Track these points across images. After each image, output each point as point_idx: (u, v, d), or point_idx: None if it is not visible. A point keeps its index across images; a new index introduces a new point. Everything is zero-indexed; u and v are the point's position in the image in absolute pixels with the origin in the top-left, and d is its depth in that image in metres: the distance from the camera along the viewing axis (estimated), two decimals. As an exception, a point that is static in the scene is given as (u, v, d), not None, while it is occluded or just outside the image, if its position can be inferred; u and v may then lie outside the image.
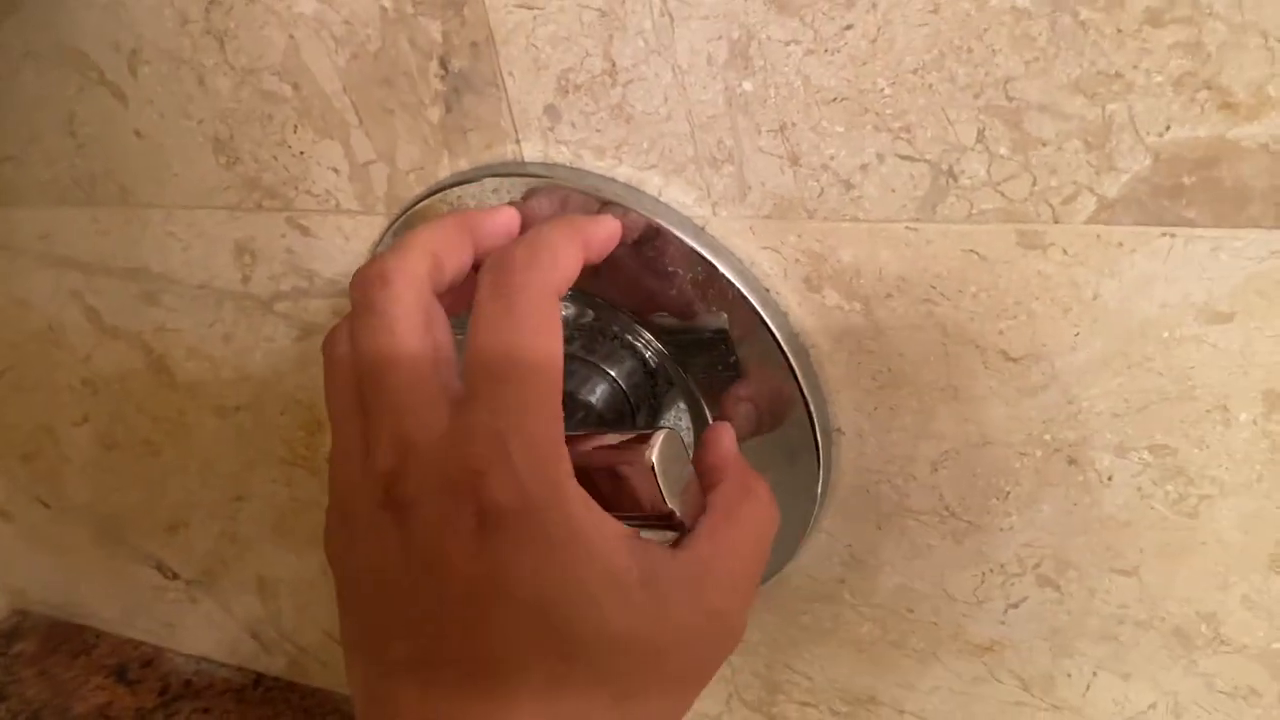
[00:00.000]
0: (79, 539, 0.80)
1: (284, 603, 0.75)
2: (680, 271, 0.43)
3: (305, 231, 0.52)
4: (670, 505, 0.39)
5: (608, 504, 0.40)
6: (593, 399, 0.48)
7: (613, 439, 0.41)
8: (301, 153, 0.49)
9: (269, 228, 0.53)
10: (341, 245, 0.52)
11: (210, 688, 0.80)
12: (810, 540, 0.49)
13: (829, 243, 0.40)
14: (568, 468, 0.32)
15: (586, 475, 0.40)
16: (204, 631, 0.80)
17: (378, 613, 0.31)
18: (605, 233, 0.37)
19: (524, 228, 0.37)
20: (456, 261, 0.35)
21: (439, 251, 0.34)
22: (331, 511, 0.33)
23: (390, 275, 0.32)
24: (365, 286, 0.32)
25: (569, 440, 0.42)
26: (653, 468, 0.38)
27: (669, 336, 0.46)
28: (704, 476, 0.39)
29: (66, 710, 0.78)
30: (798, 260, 0.41)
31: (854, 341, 0.42)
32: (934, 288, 0.39)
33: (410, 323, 0.32)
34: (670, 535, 0.40)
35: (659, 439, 0.39)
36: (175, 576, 0.78)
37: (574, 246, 0.34)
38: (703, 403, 0.46)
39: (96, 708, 0.78)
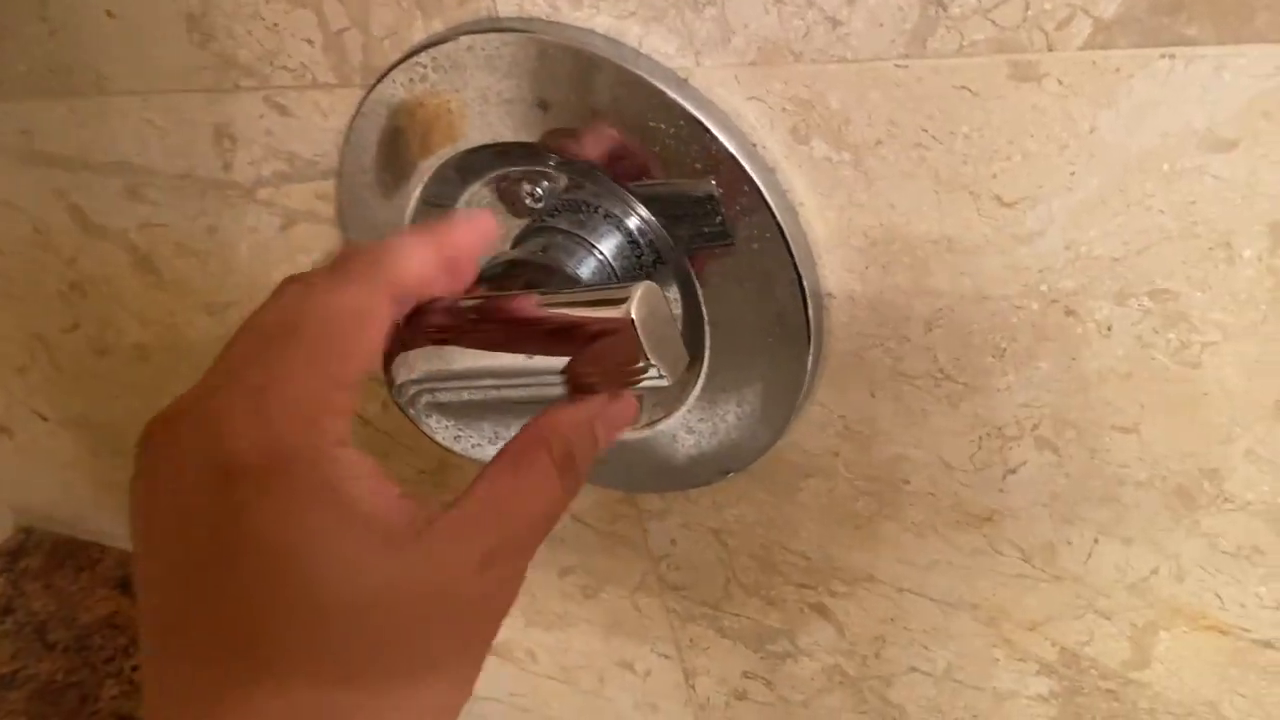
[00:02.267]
0: (78, 451, 0.80)
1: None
2: (664, 128, 0.41)
3: (283, 111, 0.51)
4: (652, 359, 0.38)
5: (589, 364, 0.39)
6: (579, 274, 0.47)
7: (590, 295, 0.40)
8: (275, 24, 0.48)
9: (247, 109, 0.52)
10: (320, 123, 0.50)
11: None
12: (802, 413, 0.48)
13: (816, 87, 0.38)
14: (339, 430, 0.29)
15: (566, 335, 0.39)
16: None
17: (146, 572, 0.28)
18: (464, 234, 0.36)
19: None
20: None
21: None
22: None
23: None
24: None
25: (545, 298, 0.41)
26: (632, 322, 0.37)
27: (654, 204, 0.45)
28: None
29: (73, 620, 0.78)
30: (785, 109, 0.40)
31: (844, 195, 0.41)
32: (925, 130, 0.38)
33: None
34: (659, 383, 0.39)
35: (638, 291, 0.38)
36: (174, 486, 0.77)
37: (423, 245, 0.35)
38: (691, 273, 0.45)
39: (102, 618, 0.78)
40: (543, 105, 0.43)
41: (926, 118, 0.38)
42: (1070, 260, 0.38)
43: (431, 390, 0.43)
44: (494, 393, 0.42)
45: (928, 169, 0.39)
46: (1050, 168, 0.37)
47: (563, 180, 0.47)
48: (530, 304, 0.39)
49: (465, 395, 0.43)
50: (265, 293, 0.59)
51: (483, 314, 0.40)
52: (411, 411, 0.44)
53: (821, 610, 0.55)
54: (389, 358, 0.44)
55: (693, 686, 0.64)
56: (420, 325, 0.39)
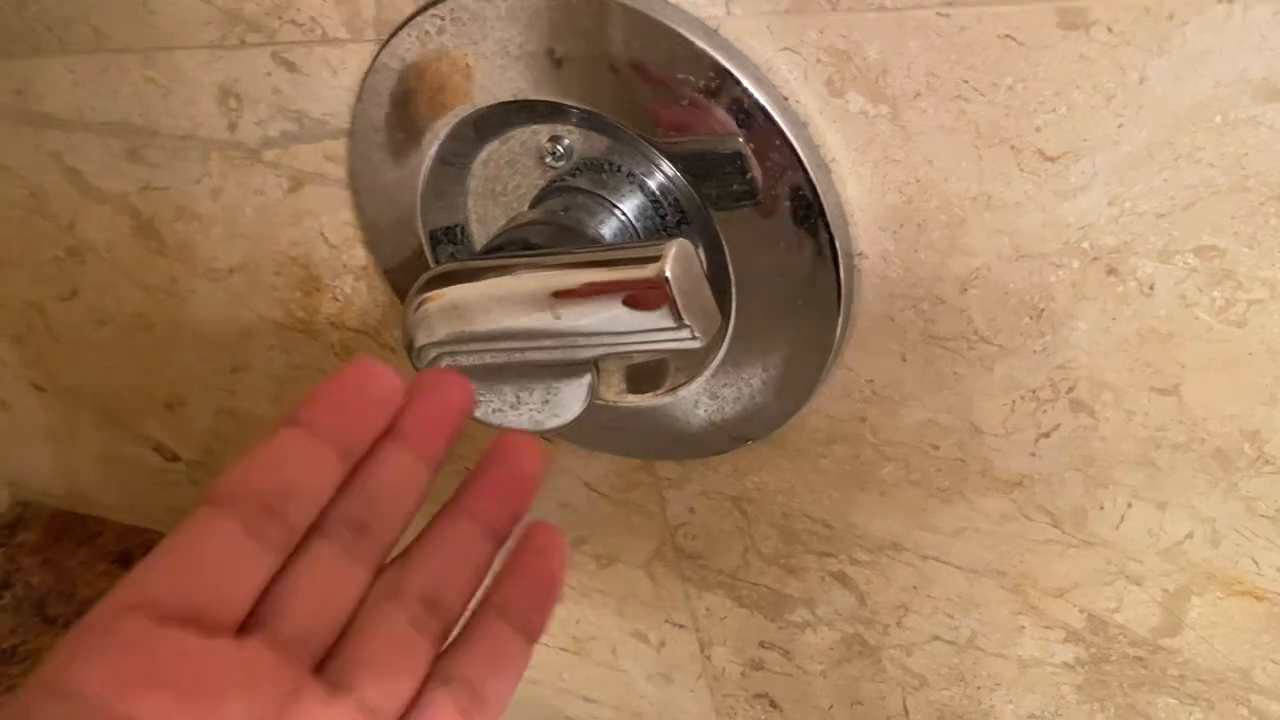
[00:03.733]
0: (77, 423, 0.78)
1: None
2: (692, 80, 0.40)
3: (291, 67, 0.49)
4: (686, 319, 0.37)
5: (617, 326, 0.38)
6: (601, 234, 0.45)
7: (621, 253, 0.38)
8: (284, -23, 0.46)
9: (253, 66, 0.50)
10: (329, 80, 0.49)
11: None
12: (829, 377, 0.47)
13: (854, 37, 0.37)
14: None
15: (595, 296, 0.38)
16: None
17: None
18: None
19: None
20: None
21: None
22: None
23: None
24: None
25: (574, 257, 0.40)
26: (666, 280, 0.36)
27: (680, 161, 0.43)
28: None
29: (72, 595, 0.77)
30: (819, 61, 0.38)
31: (879, 151, 0.40)
32: (966, 82, 0.37)
33: None
34: (690, 344, 0.38)
35: (671, 249, 0.37)
36: (175, 458, 0.76)
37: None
38: (717, 233, 0.44)
39: (101, 593, 0.76)
40: (565, 59, 0.42)
41: (968, 69, 0.36)
42: (1114, 217, 0.37)
43: (452, 353, 0.42)
44: (517, 355, 0.41)
45: (968, 123, 0.37)
46: (1096, 120, 0.36)
47: (584, 138, 0.46)
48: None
49: (488, 358, 0.42)
50: (271, 258, 0.58)
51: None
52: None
53: (842, 579, 0.54)
54: (407, 319, 0.43)
55: (708, 657, 0.63)
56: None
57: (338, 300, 0.58)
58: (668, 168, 0.45)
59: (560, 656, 0.70)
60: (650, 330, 0.37)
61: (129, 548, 0.82)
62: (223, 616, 0.26)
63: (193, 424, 0.73)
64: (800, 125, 0.40)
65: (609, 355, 0.40)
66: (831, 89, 0.39)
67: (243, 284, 0.61)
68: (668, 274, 0.36)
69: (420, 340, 0.41)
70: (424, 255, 0.50)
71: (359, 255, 0.55)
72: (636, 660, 0.67)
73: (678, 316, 0.36)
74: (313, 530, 0.28)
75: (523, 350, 0.41)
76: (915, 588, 0.52)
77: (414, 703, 0.29)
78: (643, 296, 0.37)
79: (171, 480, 0.78)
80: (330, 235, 0.55)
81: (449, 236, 0.49)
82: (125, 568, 0.80)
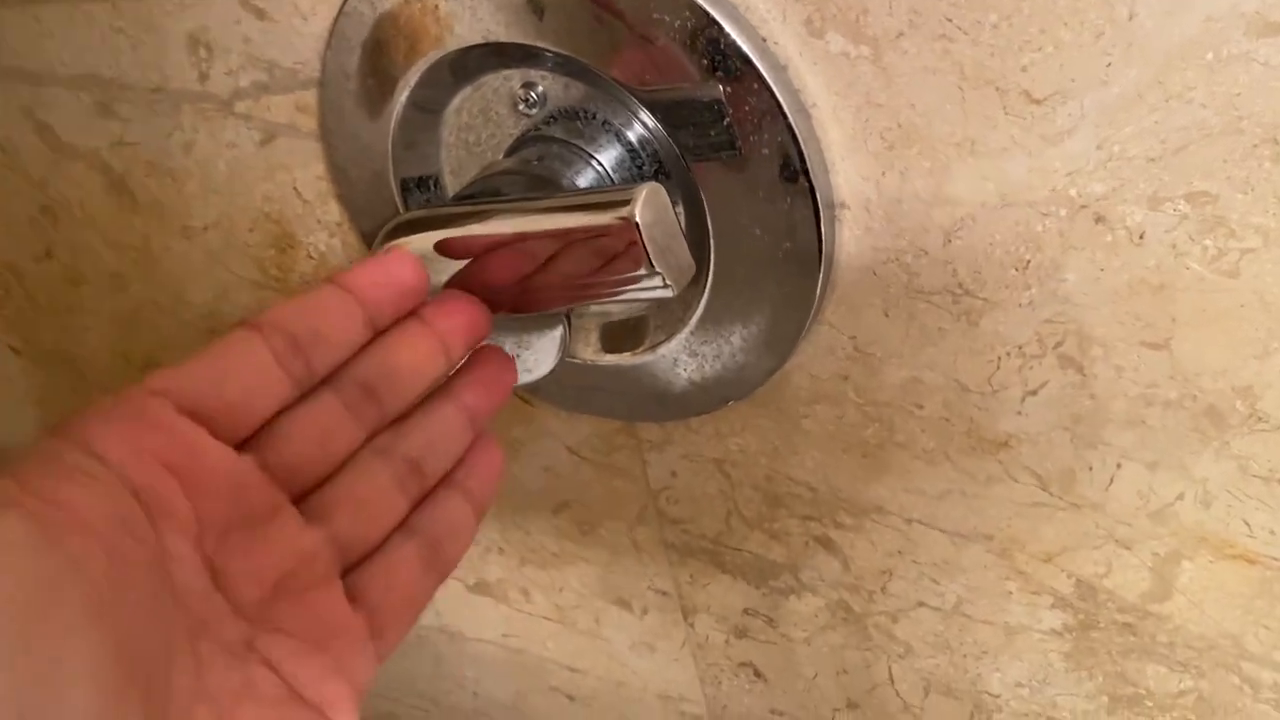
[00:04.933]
0: (56, 387, 0.77)
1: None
2: (668, 20, 0.38)
3: (261, 14, 0.48)
4: (657, 266, 0.35)
5: (588, 271, 0.37)
6: (577, 185, 0.44)
7: (590, 198, 0.37)
8: (250, -81, 0.45)
9: (222, 13, 0.49)
10: (300, 27, 0.47)
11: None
12: (811, 334, 0.45)
13: (832, -27, 0.36)
14: None
15: (565, 244, 0.37)
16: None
17: None
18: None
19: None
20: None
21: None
22: None
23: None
24: None
25: (542, 203, 0.38)
26: (636, 225, 0.35)
27: (657, 110, 0.42)
28: None
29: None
30: (797, -1, 0.37)
31: (861, 95, 0.38)
32: (950, 20, 0.35)
33: None
34: (663, 293, 0.36)
35: (642, 193, 0.35)
36: (155, 423, 0.75)
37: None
38: (696, 185, 0.42)
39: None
40: (540, 2, 0.40)
41: (952, 5, 0.35)
42: (1102, 161, 0.36)
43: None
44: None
45: (952, 63, 0.36)
46: (1084, 59, 0.34)
47: (559, 84, 0.44)
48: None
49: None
50: (245, 215, 0.57)
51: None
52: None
53: (826, 544, 0.53)
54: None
55: (691, 625, 0.62)
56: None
57: (312, 258, 0.57)
58: (646, 117, 0.43)
59: (544, 625, 0.69)
60: (621, 278, 0.36)
61: (110, 515, 0.81)
62: (235, 425, 0.29)
63: (171, 388, 0.71)
64: (779, 69, 0.39)
65: (579, 304, 0.39)
66: (811, 29, 0.37)
67: (217, 241, 0.59)
68: (638, 218, 0.35)
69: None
70: (395, 206, 0.49)
71: (333, 210, 0.54)
72: (620, 629, 0.66)
73: (649, 264, 0.35)
74: (328, 380, 0.32)
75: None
76: (900, 552, 0.51)
77: (381, 547, 0.32)
78: (612, 242, 0.35)
79: (152, 446, 0.77)
80: (304, 190, 0.54)
81: (420, 186, 0.48)
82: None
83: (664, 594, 0.61)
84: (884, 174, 0.40)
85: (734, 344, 0.46)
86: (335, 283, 0.33)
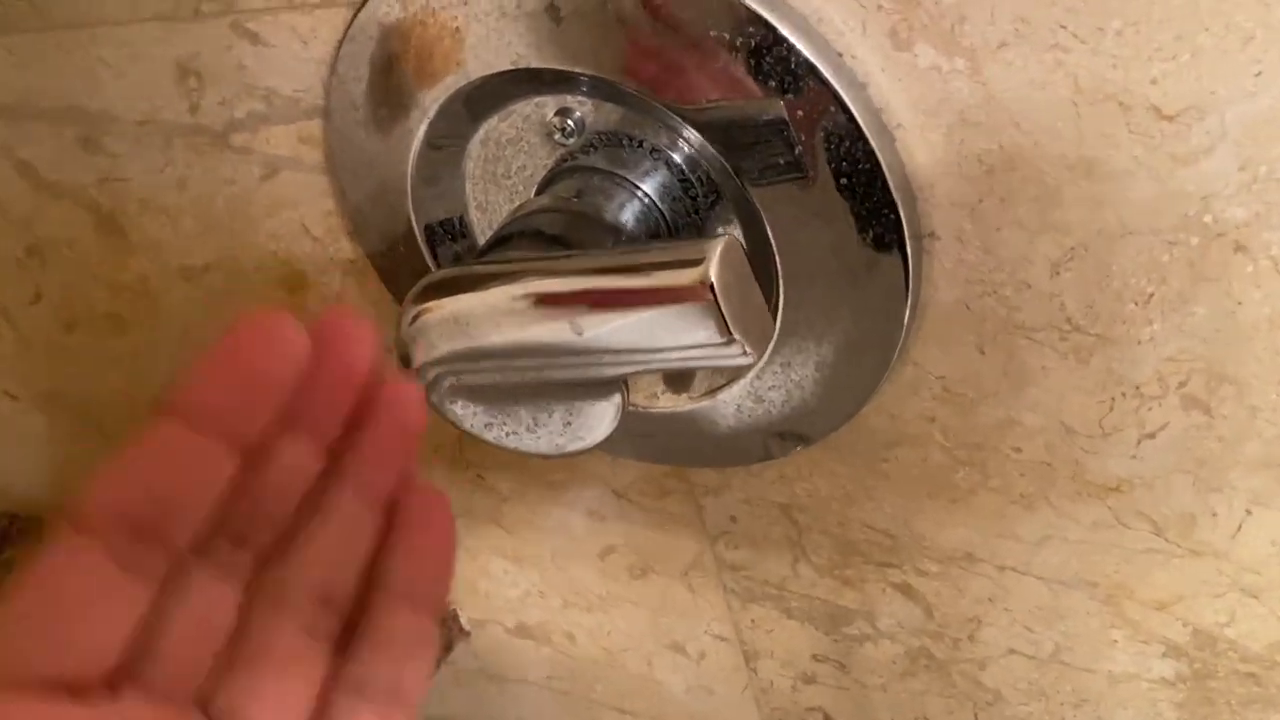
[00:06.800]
0: (56, 432, 0.72)
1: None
2: (725, 37, 0.33)
3: (255, 39, 0.43)
4: (735, 334, 0.30)
5: (650, 342, 0.32)
6: (622, 221, 0.39)
7: (656, 254, 0.32)
8: (238, -67, 0.40)
9: (213, 39, 0.44)
10: (300, 52, 0.42)
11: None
12: (893, 374, 0.40)
13: (923, -23, 0.31)
14: None
15: (625, 304, 0.32)
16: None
17: None
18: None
19: None
20: None
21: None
22: None
23: None
24: None
25: (598, 259, 0.33)
26: (711, 288, 0.30)
27: (711, 131, 0.37)
28: None
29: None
30: (881, 7, 0.32)
31: (954, 114, 0.33)
32: (1064, 28, 0.30)
33: None
34: (742, 361, 0.32)
35: (716, 250, 0.30)
36: (165, 466, 0.70)
37: None
38: (760, 213, 0.37)
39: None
40: (571, 17, 0.35)
41: (1066, 11, 0.30)
42: (1245, 184, 0.31)
43: (456, 372, 0.36)
44: (533, 374, 0.35)
45: (1065, 76, 0.31)
46: (1228, 68, 0.29)
47: (597, 108, 0.39)
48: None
49: (498, 377, 0.36)
50: (249, 254, 0.52)
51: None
52: (433, 397, 0.37)
53: (906, 590, 0.48)
54: (402, 332, 0.37)
55: (754, 670, 0.58)
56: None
57: (327, 298, 0.52)
58: (694, 137, 0.38)
59: (592, 668, 0.64)
60: (691, 347, 0.31)
61: (124, 560, 0.76)
62: (94, 672, 0.22)
63: (180, 431, 0.67)
64: (858, 86, 0.34)
65: (641, 373, 0.34)
66: (896, 41, 0.32)
67: (221, 281, 0.54)
68: (713, 279, 0.30)
69: (418, 358, 0.35)
70: (418, 247, 0.44)
71: (346, 248, 0.49)
72: (675, 672, 0.61)
73: (725, 331, 0.30)
74: (193, 543, 0.24)
75: (539, 368, 0.34)
76: (991, 600, 0.46)
77: (327, 713, 0.25)
78: (682, 307, 0.30)
79: (163, 489, 0.72)
80: (313, 227, 0.49)
81: (447, 231, 0.43)
82: (121, 582, 0.75)
83: (723, 639, 0.57)
84: (981, 201, 0.35)
85: (805, 388, 0.41)
86: (175, 411, 0.23)
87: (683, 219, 0.40)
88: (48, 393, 0.70)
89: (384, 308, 0.50)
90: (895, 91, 0.33)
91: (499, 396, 0.36)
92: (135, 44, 0.46)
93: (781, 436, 0.43)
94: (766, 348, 0.32)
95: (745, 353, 0.31)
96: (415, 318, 0.35)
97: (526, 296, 0.32)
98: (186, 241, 0.53)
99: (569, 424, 0.36)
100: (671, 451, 0.47)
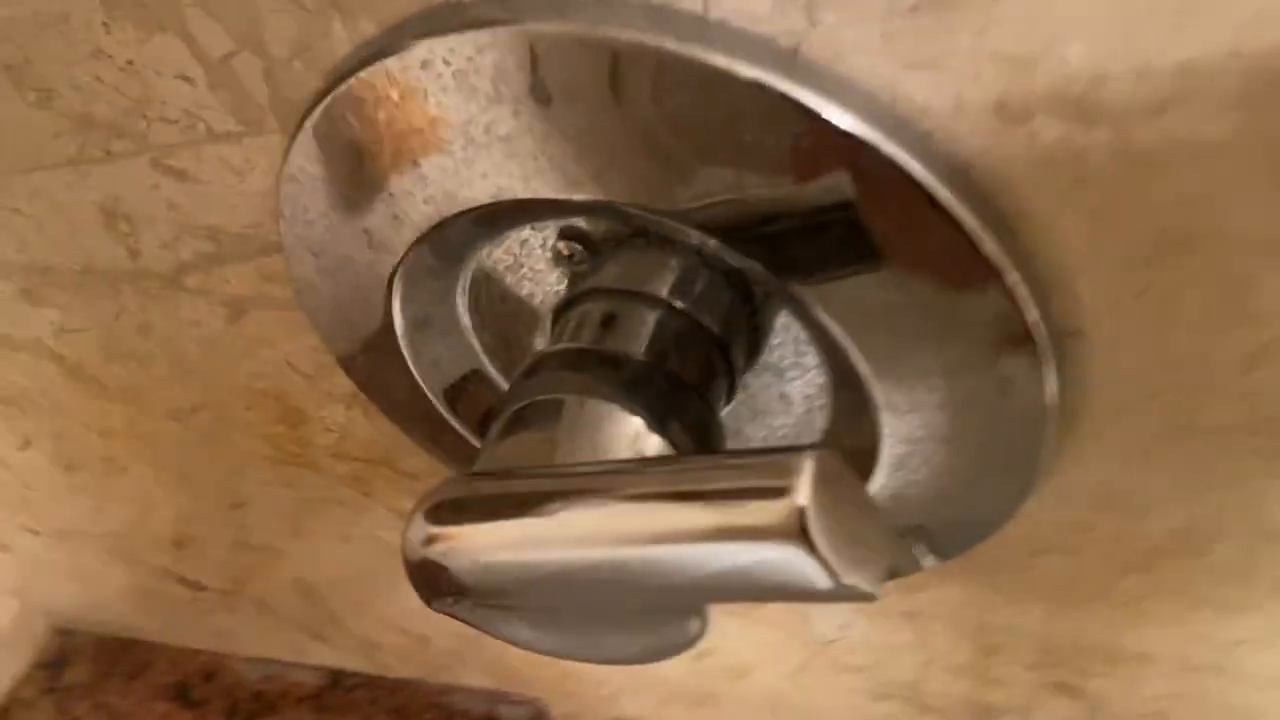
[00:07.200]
0: (86, 562, 0.67)
1: (335, 603, 0.61)
2: (768, 141, 0.25)
3: (182, 176, 0.35)
4: (843, 577, 0.22)
5: (729, 584, 0.24)
6: (660, 349, 0.31)
7: (726, 477, 0.24)
8: (129, 62, 0.31)
9: (133, 180, 0.36)
10: (235, 185, 0.34)
11: (284, 696, 0.68)
12: (1037, 490, 0.32)
13: (1039, 35, 0.21)
14: None
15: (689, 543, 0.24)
16: (259, 634, 0.68)
17: None
18: None
19: None
20: None
21: None
22: None
23: None
24: None
25: (652, 482, 0.25)
26: (803, 530, 0.21)
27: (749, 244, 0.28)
28: None
29: (131, 747, 0.67)
30: (977, 78, 0.23)
31: (1097, 195, 0.24)
32: (1255, 79, 0.21)
33: None
34: (859, 599, 0.23)
35: (806, 468, 0.22)
36: (203, 588, 0.64)
37: None
38: (821, 321, 0.29)
39: (162, 740, 0.67)
40: (564, 133, 0.26)
41: (1261, 56, 0.21)
42: None
43: (485, 604, 0.28)
44: (583, 604, 0.27)
45: (1257, 135, 0.22)
46: None
47: (608, 221, 0.31)
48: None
49: (540, 606, 0.28)
50: (236, 395, 0.45)
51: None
52: (462, 614, 0.29)
53: (1066, 690, 0.40)
54: (412, 555, 0.29)
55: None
56: None
57: (331, 431, 0.44)
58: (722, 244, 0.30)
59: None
60: (784, 584, 0.23)
61: (184, 678, 0.71)
62: None
63: (209, 559, 0.61)
64: (959, 170, 0.25)
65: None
66: (1004, 115, 0.23)
67: (212, 422, 0.47)
68: (806, 507, 0.21)
69: (439, 605, 0.28)
70: (422, 392, 0.36)
71: (342, 382, 0.41)
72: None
73: (828, 569, 0.22)
74: None
75: (591, 600, 0.27)
76: (1177, 695, 0.38)
77: None
78: (768, 546, 0.22)
79: (206, 606, 0.67)
80: (299, 364, 0.41)
81: (468, 384, 0.35)
82: (185, 705, 0.70)
83: (850, 733, 0.50)
84: (1142, 293, 0.26)
85: (921, 518, 0.33)
86: None
87: (732, 326, 0.32)
88: (65, 528, 0.64)
89: (396, 434, 0.43)
90: (1015, 170, 0.24)
91: (543, 620, 0.29)
92: (49, 191, 0.38)
93: (893, 566, 0.35)
94: (884, 577, 0.24)
95: (864, 593, 0.22)
96: (429, 542, 0.27)
97: (575, 529, 0.25)
98: (165, 386, 0.46)
99: (633, 643, 0.29)
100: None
